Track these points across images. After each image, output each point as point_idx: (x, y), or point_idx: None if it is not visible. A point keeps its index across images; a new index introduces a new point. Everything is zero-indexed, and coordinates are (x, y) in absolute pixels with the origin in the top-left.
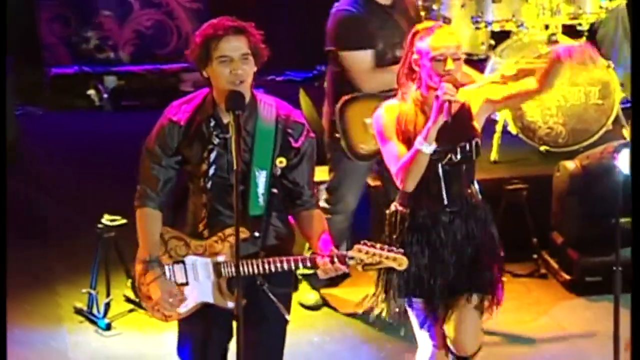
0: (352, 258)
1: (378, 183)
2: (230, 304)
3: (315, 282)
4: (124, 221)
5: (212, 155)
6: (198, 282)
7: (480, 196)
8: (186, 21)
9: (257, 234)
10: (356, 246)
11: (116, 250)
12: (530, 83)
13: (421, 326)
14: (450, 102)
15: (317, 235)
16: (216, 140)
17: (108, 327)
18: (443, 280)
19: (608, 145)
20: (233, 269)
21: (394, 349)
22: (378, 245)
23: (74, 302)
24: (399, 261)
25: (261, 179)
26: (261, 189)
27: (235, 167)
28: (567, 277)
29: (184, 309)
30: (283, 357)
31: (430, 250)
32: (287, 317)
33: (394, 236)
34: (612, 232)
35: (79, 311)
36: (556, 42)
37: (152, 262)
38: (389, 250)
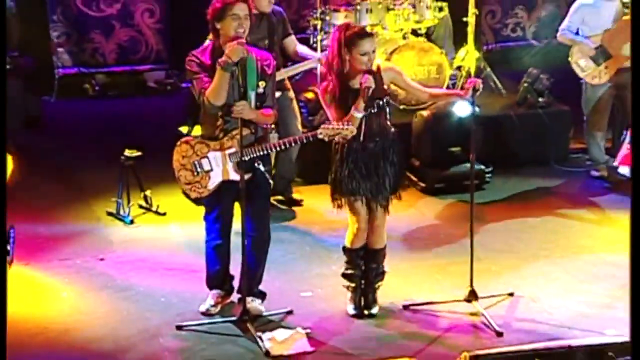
0: (320, 133)
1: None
2: (237, 177)
3: None
4: (139, 153)
5: None
6: (218, 167)
7: (392, 130)
8: (152, 37)
9: (252, 130)
10: (321, 126)
11: (133, 173)
12: (424, 94)
13: (355, 214)
14: (369, 87)
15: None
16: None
17: (131, 222)
18: (369, 185)
19: (446, 102)
20: (239, 155)
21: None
22: (334, 122)
23: (106, 208)
24: (351, 129)
25: (252, 96)
26: (252, 103)
27: (241, 90)
28: (423, 185)
29: (212, 186)
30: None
31: (361, 165)
32: (270, 182)
33: (340, 157)
34: (449, 156)
35: (110, 214)
36: (407, 38)
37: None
38: (342, 124)
